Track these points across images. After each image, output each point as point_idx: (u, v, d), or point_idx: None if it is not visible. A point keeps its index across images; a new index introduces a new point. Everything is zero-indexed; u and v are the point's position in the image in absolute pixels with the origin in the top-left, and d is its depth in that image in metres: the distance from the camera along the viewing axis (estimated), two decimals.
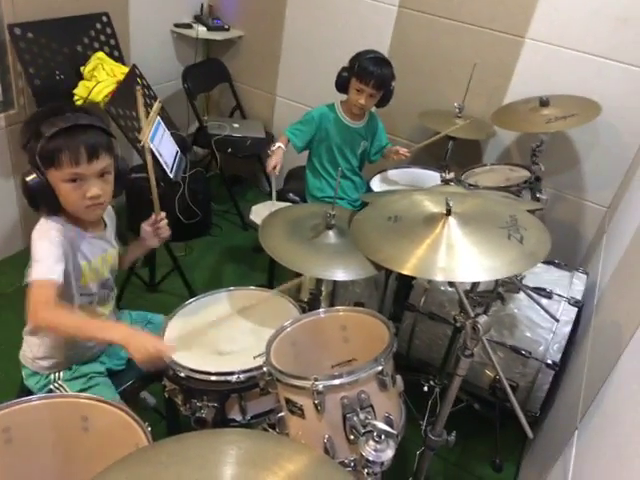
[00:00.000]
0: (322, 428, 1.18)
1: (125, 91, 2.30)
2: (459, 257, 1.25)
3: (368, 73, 2.19)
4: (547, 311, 1.79)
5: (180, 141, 2.46)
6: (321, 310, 1.45)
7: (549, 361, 1.88)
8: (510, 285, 1.81)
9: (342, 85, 2.29)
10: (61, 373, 1.47)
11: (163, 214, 1.57)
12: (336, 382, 1.16)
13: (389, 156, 2.49)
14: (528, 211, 1.46)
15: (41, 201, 1.30)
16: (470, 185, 2.25)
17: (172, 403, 1.49)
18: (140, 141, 1.58)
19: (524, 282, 1.95)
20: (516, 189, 2.19)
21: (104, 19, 2.55)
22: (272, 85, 3.30)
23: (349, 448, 1.18)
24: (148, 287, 2.60)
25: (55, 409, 1.18)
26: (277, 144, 2.28)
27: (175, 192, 2.71)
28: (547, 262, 2.16)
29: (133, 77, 2.43)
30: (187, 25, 3.14)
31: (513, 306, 1.96)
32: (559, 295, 1.97)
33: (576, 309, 1.93)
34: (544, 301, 1.94)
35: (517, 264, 1.24)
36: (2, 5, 2.24)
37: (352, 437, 1.16)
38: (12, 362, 1.54)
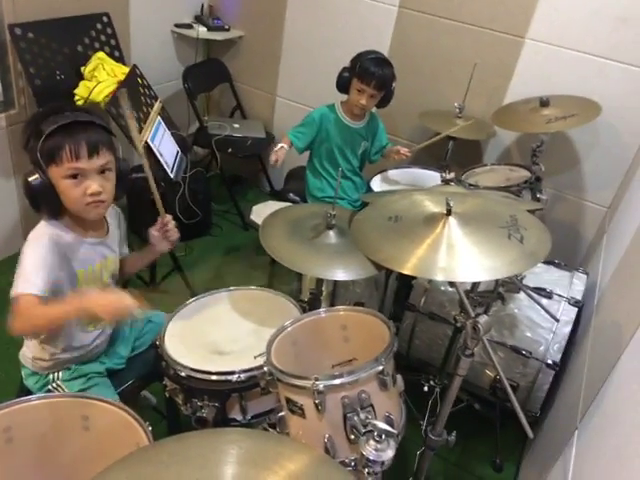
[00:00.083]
0: (323, 428, 1.18)
1: None
2: (459, 257, 1.25)
3: (369, 74, 2.19)
4: (547, 311, 1.79)
5: (180, 141, 2.46)
6: (322, 310, 1.46)
7: (549, 361, 1.88)
8: (510, 285, 1.82)
9: (343, 85, 2.29)
10: (60, 373, 1.47)
11: (169, 217, 1.55)
12: (337, 382, 1.16)
13: (390, 156, 2.49)
14: (528, 211, 1.46)
15: (42, 202, 1.30)
16: (470, 185, 2.24)
17: (173, 402, 1.49)
18: (141, 140, 1.58)
19: (524, 282, 1.95)
20: (516, 189, 2.19)
21: (105, 19, 2.55)
22: (272, 85, 3.30)
23: (350, 448, 1.18)
24: (148, 287, 2.61)
25: (56, 408, 1.18)
26: (280, 144, 2.29)
27: (175, 192, 2.72)
28: (547, 262, 2.16)
29: (134, 77, 2.43)
30: (187, 25, 3.14)
31: (513, 306, 1.96)
32: (559, 295, 1.97)
33: (576, 309, 1.93)
34: (544, 301, 1.94)
35: (517, 264, 1.24)
36: (2, 5, 2.24)
37: (352, 437, 1.16)
38: (12, 362, 1.54)
